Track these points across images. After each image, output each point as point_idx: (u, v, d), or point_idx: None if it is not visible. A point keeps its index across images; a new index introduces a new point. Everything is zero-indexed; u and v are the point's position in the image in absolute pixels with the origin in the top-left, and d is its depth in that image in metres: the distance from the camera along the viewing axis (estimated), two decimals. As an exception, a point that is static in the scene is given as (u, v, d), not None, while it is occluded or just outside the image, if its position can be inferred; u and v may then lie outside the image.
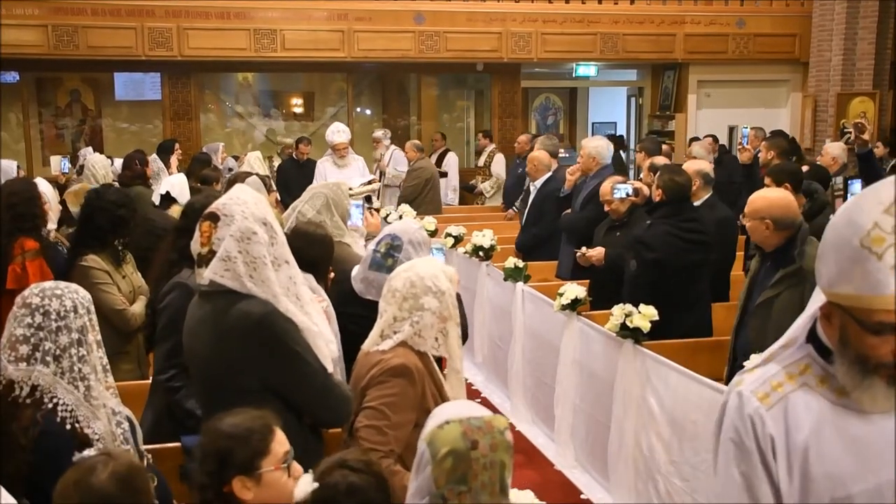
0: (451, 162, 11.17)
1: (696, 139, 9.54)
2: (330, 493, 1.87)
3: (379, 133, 10.51)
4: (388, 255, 3.41)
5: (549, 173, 6.95)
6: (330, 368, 2.64)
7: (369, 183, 8.51)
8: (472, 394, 6.51)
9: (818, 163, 7.53)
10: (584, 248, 5.46)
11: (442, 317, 2.72)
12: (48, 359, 2.26)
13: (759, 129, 9.24)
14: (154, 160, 7.24)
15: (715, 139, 9.66)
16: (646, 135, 12.32)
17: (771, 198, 3.95)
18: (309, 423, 2.67)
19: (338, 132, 8.71)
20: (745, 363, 3.44)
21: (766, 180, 5.15)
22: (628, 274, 4.92)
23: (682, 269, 4.71)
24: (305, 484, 1.91)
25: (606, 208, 5.49)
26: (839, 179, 3.14)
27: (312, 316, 2.63)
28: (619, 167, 7.44)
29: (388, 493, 1.91)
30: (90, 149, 9.18)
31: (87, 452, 2.01)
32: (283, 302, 2.55)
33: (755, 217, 3.87)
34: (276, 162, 9.92)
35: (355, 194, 8.12)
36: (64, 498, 1.82)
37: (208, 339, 2.59)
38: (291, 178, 9.13)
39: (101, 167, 6.87)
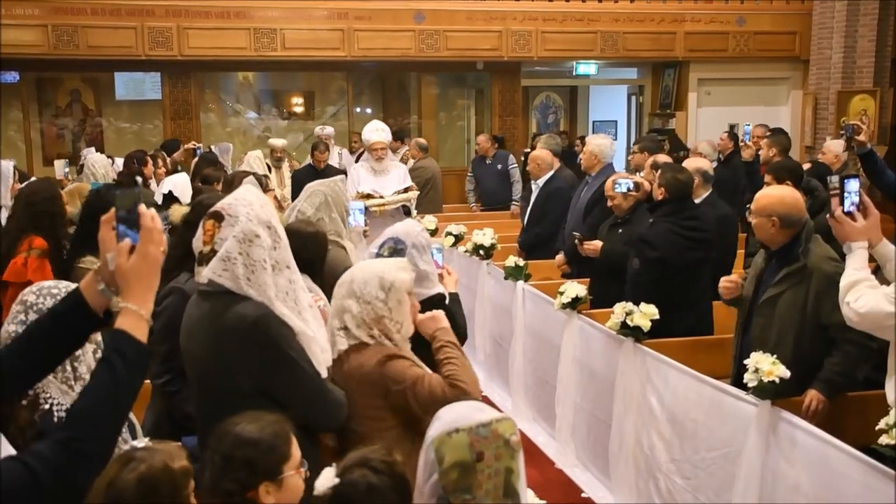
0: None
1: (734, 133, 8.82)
2: (349, 491, 1.89)
3: (328, 129, 10.10)
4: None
5: (552, 172, 6.95)
6: (324, 374, 2.62)
7: (406, 191, 7.44)
8: (473, 393, 6.50)
9: (819, 160, 7.53)
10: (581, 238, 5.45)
11: (363, 323, 2.71)
12: None
13: (764, 126, 9.19)
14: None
15: (733, 136, 8.55)
16: (646, 132, 12.31)
17: (778, 195, 3.91)
18: (302, 426, 2.66)
19: (375, 130, 7.38)
20: (745, 362, 3.48)
21: (767, 178, 5.14)
22: (630, 272, 4.92)
23: (684, 267, 4.71)
24: (327, 479, 1.92)
25: (609, 203, 5.47)
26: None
27: (309, 322, 2.62)
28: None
29: (409, 495, 1.92)
30: (92, 149, 9.16)
31: (137, 443, 1.98)
32: (279, 306, 2.53)
33: (762, 214, 3.82)
34: (270, 168, 8.75)
35: (389, 203, 7.25)
36: (94, 490, 1.79)
37: (204, 341, 2.58)
38: None
39: (101, 166, 6.85)
